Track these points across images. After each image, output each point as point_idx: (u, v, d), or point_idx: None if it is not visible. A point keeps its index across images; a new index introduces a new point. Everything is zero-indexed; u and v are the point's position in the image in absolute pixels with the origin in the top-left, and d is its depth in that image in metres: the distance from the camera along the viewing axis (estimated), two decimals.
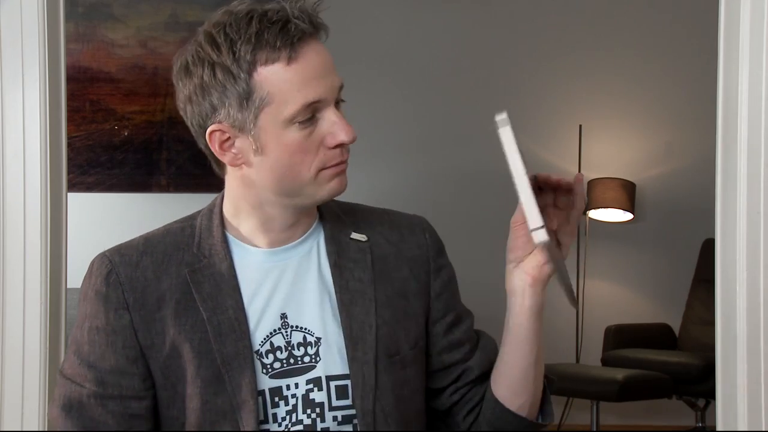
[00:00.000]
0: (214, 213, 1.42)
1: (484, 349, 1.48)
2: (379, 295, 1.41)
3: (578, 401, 5.05)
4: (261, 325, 1.37)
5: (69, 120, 2.33)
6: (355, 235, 1.44)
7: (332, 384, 1.37)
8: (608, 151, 5.67)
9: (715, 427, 2.17)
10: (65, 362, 1.40)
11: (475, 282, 5.46)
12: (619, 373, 4.62)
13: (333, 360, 1.37)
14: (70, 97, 3.13)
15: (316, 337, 1.38)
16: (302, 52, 1.30)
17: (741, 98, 2.04)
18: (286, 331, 1.38)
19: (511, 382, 1.41)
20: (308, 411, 1.36)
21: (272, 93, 1.29)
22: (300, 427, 1.35)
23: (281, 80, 1.29)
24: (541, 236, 1.23)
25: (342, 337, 1.38)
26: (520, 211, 1.31)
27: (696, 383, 4.78)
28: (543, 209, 1.27)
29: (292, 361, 1.37)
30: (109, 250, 1.40)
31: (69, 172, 2.30)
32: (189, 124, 1.37)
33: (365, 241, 1.44)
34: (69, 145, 2.33)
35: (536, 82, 5.62)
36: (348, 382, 1.37)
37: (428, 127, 5.61)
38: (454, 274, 1.51)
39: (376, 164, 5.52)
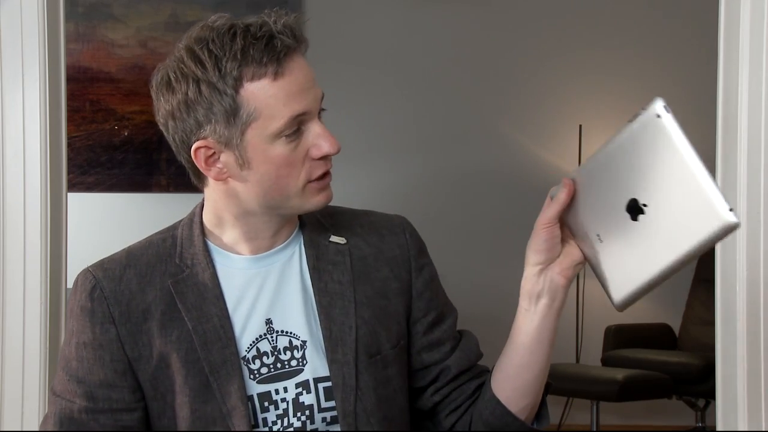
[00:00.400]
0: (195, 223, 1.42)
1: (464, 348, 1.48)
2: (358, 296, 1.41)
3: (578, 401, 5.05)
4: (246, 332, 1.38)
5: (69, 120, 2.33)
6: (334, 238, 1.44)
7: (320, 386, 1.37)
8: None
9: (715, 427, 2.17)
10: (55, 380, 1.40)
11: (474, 281, 5.50)
12: (619, 373, 4.62)
13: (320, 362, 1.38)
14: (70, 97, 3.13)
15: (302, 341, 1.39)
16: (288, 67, 1.30)
17: (741, 98, 2.04)
18: (272, 336, 1.38)
19: (522, 384, 1.41)
20: (299, 414, 1.36)
21: (259, 108, 1.29)
22: (291, 430, 1.35)
23: (268, 95, 1.29)
24: (733, 217, 1.14)
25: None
26: (550, 211, 1.29)
27: (696, 383, 4.78)
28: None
29: (279, 365, 1.37)
30: (92, 266, 1.40)
31: (69, 172, 2.30)
32: (170, 139, 1.36)
33: (344, 244, 1.44)
34: (69, 145, 2.33)
35: (536, 82, 5.62)
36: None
37: (428, 127, 5.61)
38: (436, 272, 1.51)
39: (376, 164, 5.52)
